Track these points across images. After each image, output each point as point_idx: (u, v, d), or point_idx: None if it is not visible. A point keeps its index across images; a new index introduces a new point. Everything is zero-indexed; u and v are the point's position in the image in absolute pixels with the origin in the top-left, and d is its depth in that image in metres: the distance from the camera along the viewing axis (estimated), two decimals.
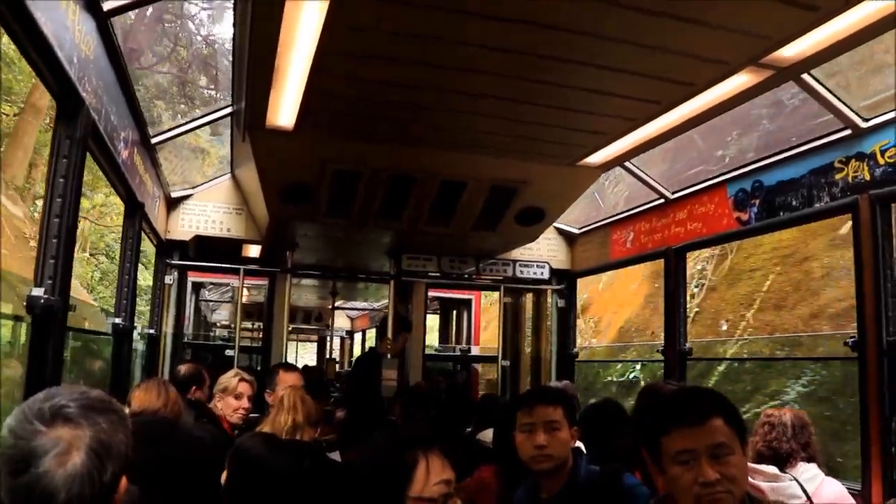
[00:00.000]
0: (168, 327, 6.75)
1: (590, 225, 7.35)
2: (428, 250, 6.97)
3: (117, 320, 4.76)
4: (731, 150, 13.99)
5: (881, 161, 3.97)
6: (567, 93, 3.97)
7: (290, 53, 3.50)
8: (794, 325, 11.86)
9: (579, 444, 3.33)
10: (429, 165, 5.17)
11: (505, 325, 8.34)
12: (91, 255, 17.75)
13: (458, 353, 10.58)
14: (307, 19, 3.17)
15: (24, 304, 2.88)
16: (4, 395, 6.37)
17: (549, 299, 7.82)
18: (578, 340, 8.03)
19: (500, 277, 7.38)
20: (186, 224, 6.57)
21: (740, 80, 3.68)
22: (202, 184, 6.75)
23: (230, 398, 4.40)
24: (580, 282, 7.86)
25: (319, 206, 5.55)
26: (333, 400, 7.96)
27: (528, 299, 8.51)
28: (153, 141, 5.24)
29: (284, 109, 4.21)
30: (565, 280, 7.67)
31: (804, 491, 3.35)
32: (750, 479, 3.32)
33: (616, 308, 16.35)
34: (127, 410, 3.60)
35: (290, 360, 9.63)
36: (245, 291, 10.82)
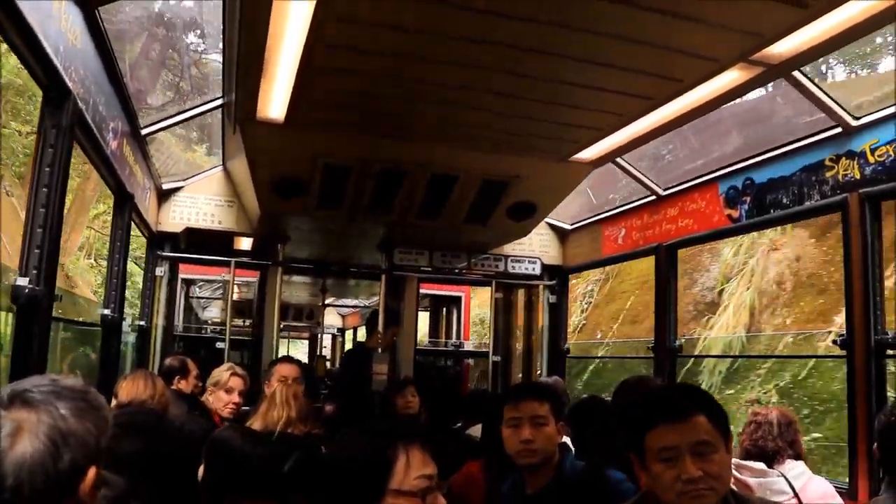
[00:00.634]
0: (159, 320, 6.73)
1: (582, 221, 7.35)
2: (420, 245, 6.95)
3: (106, 311, 4.74)
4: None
5: (871, 159, 3.98)
6: (558, 88, 3.97)
7: (280, 45, 3.48)
8: (641, 334, 13.63)
9: (566, 439, 3.33)
10: (419, 159, 5.15)
11: (496, 320, 8.34)
12: (96, 260, 18.38)
13: (450, 349, 10.59)
14: (296, 11, 3.16)
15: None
16: None
17: (541, 295, 7.82)
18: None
19: (492, 272, 7.37)
20: (177, 216, 6.55)
21: (731, 77, 3.68)
22: (193, 176, 6.72)
23: (221, 392, 4.41)
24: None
25: (310, 200, 5.54)
26: (323, 396, 7.96)
27: (520, 295, 8.50)
28: (143, 132, 5.22)
29: (275, 101, 4.19)
30: (557, 276, 7.66)
31: (791, 487, 3.37)
32: (737, 474, 3.34)
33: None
34: (114, 402, 3.61)
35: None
36: (236, 289, 10.81)
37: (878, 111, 4.00)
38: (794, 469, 3.48)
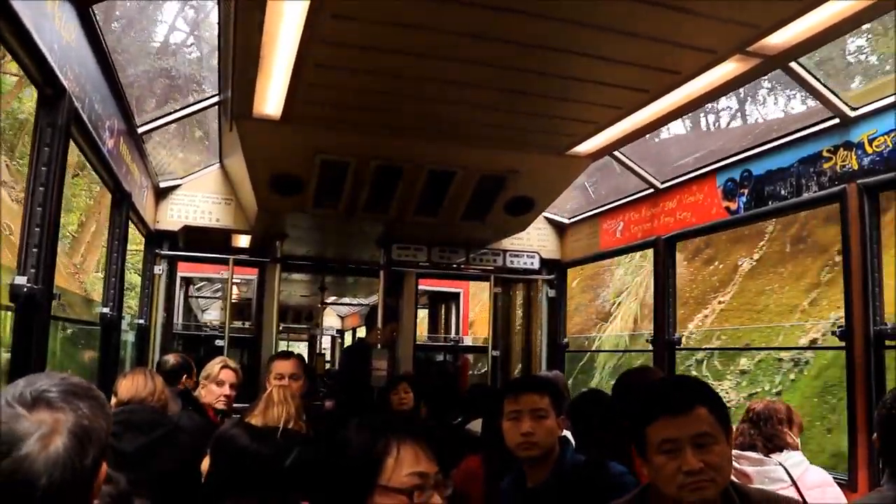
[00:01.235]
0: (158, 318, 6.73)
1: (580, 215, 7.35)
2: (418, 240, 6.95)
3: (105, 310, 4.74)
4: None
5: (869, 150, 3.98)
6: (555, 82, 3.96)
7: (276, 42, 3.47)
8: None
9: (567, 433, 3.34)
10: (417, 155, 5.15)
11: (495, 315, 8.34)
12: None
13: (449, 344, 10.60)
14: (291, 8, 3.15)
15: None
16: None
17: (540, 289, 7.82)
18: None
19: (491, 267, 7.37)
20: (175, 214, 6.54)
21: (728, 69, 3.67)
22: (191, 174, 6.71)
23: (212, 385, 4.44)
24: None
25: (308, 197, 5.53)
26: (322, 394, 7.97)
27: (519, 289, 8.50)
28: (140, 130, 5.21)
29: (271, 98, 4.19)
30: (555, 270, 7.66)
31: (789, 475, 3.39)
32: (736, 464, 3.35)
33: None
34: (114, 400, 3.61)
35: None
36: (235, 289, 10.80)
37: (875, 101, 4.00)
38: (792, 458, 3.50)
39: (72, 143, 3.39)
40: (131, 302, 10.47)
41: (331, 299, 13.92)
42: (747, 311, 12.03)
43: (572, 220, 7.45)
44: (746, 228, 11.21)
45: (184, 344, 8.52)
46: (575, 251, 7.45)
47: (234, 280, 7.71)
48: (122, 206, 4.89)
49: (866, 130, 4.00)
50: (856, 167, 4.05)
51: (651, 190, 6.06)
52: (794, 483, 3.37)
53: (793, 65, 3.94)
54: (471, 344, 11.19)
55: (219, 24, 4.00)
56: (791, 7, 3.06)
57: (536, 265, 7.39)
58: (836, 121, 4.19)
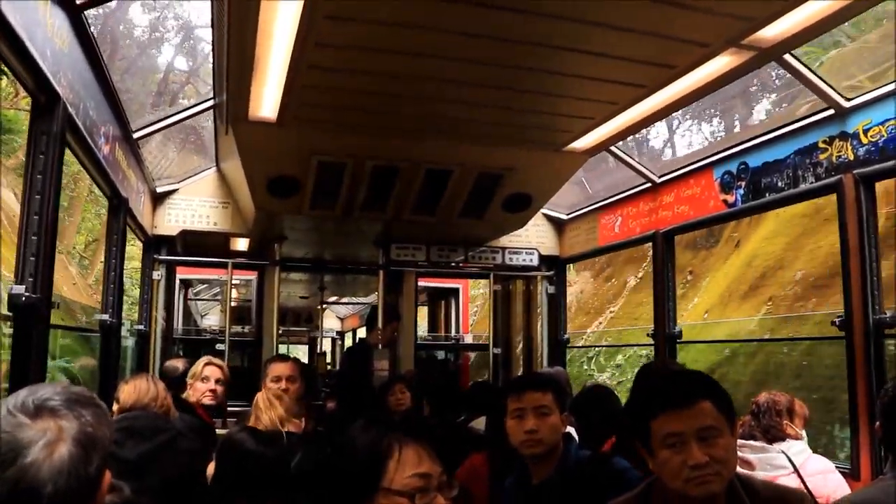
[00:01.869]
0: (157, 323, 6.72)
1: (578, 210, 7.34)
2: (417, 240, 6.95)
3: (104, 317, 4.73)
4: None
5: (864, 140, 3.98)
6: (550, 78, 3.97)
7: (270, 44, 3.47)
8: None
9: (570, 429, 3.34)
10: (413, 154, 5.15)
11: (495, 312, 8.34)
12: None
13: (450, 342, 10.60)
14: (285, 10, 3.15)
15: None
16: None
17: (539, 286, 7.82)
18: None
19: (490, 265, 7.37)
20: (173, 219, 6.53)
21: (722, 62, 3.68)
22: (187, 178, 6.70)
23: (198, 383, 4.56)
24: None
25: (305, 198, 5.53)
26: (324, 394, 7.97)
27: (519, 286, 8.50)
28: (136, 136, 5.20)
29: (267, 101, 4.19)
30: (555, 266, 7.66)
31: (791, 463, 3.41)
32: (739, 452, 3.36)
33: None
34: (115, 406, 3.61)
35: None
36: (234, 291, 10.79)
37: (870, 91, 4.00)
38: (795, 446, 3.53)
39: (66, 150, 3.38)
40: (128, 312, 10.54)
41: (331, 299, 13.91)
42: (628, 318, 14.07)
43: (570, 215, 7.45)
44: (636, 251, 12.67)
45: (184, 349, 8.52)
46: (574, 247, 7.45)
47: (233, 282, 7.69)
48: (120, 212, 4.88)
49: (861, 121, 4.00)
50: (852, 157, 4.05)
51: (648, 184, 6.06)
52: (796, 470, 3.39)
53: (787, 57, 3.93)
54: (471, 342, 11.17)
55: (212, 26, 3.99)
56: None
57: (535, 262, 7.39)
58: (832, 112, 4.19)
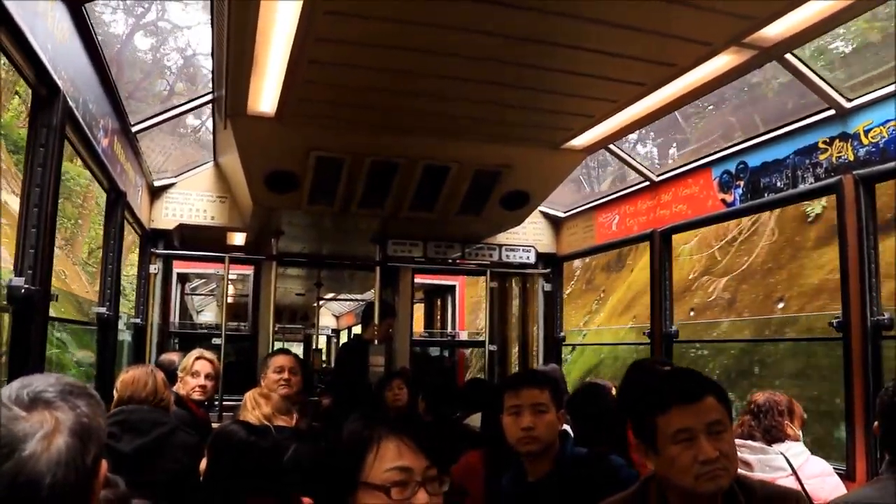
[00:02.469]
0: (154, 317, 6.72)
1: (575, 208, 7.35)
2: (414, 236, 6.94)
3: (101, 310, 4.73)
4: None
5: (865, 141, 3.98)
6: (550, 76, 3.96)
7: (269, 39, 3.46)
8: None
9: (566, 427, 3.34)
10: (411, 150, 5.14)
11: (492, 309, 8.34)
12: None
13: (446, 339, 10.59)
14: (285, 5, 3.14)
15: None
16: None
17: (536, 283, 7.82)
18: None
19: (487, 262, 7.36)
20: (170, 213, 6.52)
21: (724, 61, 3.67)
22: (185, 172, 6.69)
23: (188, 377, 4.58)
24: None
25: (303, 194, 5.52)
26: (320, 390, 7.96)
27: (515, 283, 8.50)
28: (134, 129, 5.19)
29: (266, 96, 4.18)
30: (551, 264, 7.66)
31: (790, 464, 3.41)
32: (738, 453, 3.37)
33: None
34: (115, 397, 3.61)
35: None
36: (231, 287, 10.77)
37: (871, 92, 4.00)
38: (793, 448, 3.53)
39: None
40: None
41: (328, 296, 13.89)
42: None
43: (568, 213, 7.45)
44: (565, 269, 13.96)
45: (180, 342, 8.50)
46: (571, 245, 7.45)
47: (229, 278, 7.67)
48: (118, 206, 4.87)
49: (862, 122, 4.00)
50: (852, 158, 4.06)
51: (646, 183, 6.06)
52: (795, 472, 3.39)
53: (788, 56, 3.93)
54: (467, 338, 11.17)
55: (211, 21, 3.98)
56: None
57: (532, 259, 7.39)
58: (832, 112, 4.19)
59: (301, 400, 4.83)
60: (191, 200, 6.59)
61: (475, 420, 4.41)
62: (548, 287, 7.66)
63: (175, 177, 6.60)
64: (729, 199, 5.05)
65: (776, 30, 3.34)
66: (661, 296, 5.75)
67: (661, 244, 5.83)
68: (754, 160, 4.82)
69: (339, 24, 3.34)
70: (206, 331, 10.88)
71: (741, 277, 12.69)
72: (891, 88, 3.86)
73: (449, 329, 10.73)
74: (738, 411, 4.03)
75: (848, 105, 4.10)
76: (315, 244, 7.80)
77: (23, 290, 2.86)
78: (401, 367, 6.99)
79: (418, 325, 11.23)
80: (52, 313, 3.27)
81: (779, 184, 4.60)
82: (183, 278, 11.17)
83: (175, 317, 9.82)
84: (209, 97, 5.33)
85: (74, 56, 3.42)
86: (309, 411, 5.82)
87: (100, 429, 1.32)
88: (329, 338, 19.55)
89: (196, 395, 4.52)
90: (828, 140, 4.23)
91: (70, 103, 3.25)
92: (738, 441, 3.44)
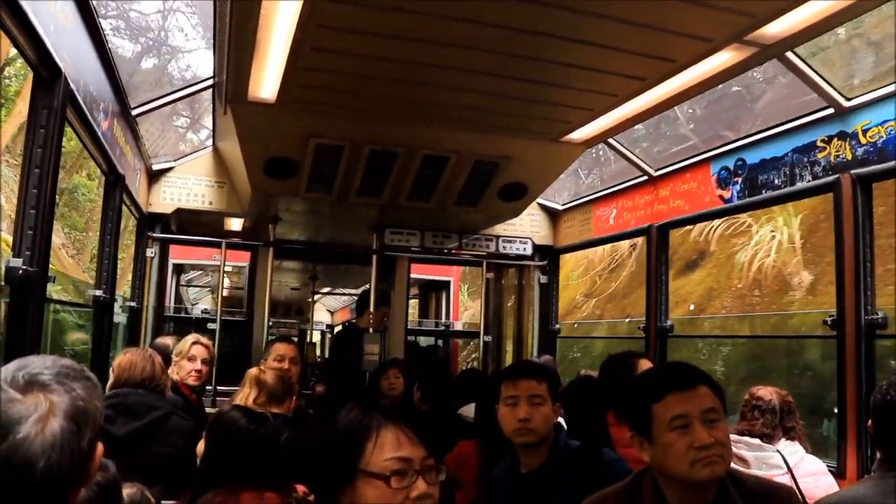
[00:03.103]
0: (150, 301, 6.71)
1: (573, 201, 7.35)
2: (411, 225, 6.94)
3: (98, 292, 4.73)
4: None
5: (863, 140, 3.99)
6: (550, 68, 3.96)
7: (272, 25, 3.46)
8: None
9: (560, 420, 3.35)
10: (411, 140, 5.14)
11: (487, 300, 8.35)
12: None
13: (440, 329, 10.61)
14: None
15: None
16: None
17: (532, 275, 7.83)
18: None
19: (483, 253, 7.36)
20: (168, 197, 6.51)
21: (724, 58, 3.68)
22: (184, 156, 6.68)
23: (184, 361, 4.55)
24: None
25: (301, 180, 5.52)
26: (313, 381, 7.97)
27: (511, 275, 8.51)
28: (134, 112, 5.18)
29: (266, 82, 4.17)
30: (548, 256, 7.67)
31: (786, 462, 3.43)
32: (735, 448, 3.39)
33: None
34: (112, 378, 3.61)
35: None
36: (227, 280, 10.74)
37: (870, 92, 4.01)
38: (790, 447, 3.55)
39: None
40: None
41: (324, 290, 13.89)
42: None
43: (565, 206, 7.46)
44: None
45: (175, 327, 8.49)
46: (568, 237, 7.46)
47: (225, 269, 7.66)
48: (116, 189, 4.87)
49: (861, 121, 4.02)
50: (850, 157, 4.07)
51: (644, 177, 6.06)
52: (790, 470, 3.42)
53: (788, 54, 3.94)
54: (461, 329, 11.19)
55: (214, 6, 3.97)
56: None
57: (529, 251, 7.39)
58: (831, 111, 4.20)
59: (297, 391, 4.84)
60: (189, 185, 6.57)
61: (469, 410, 4.42)
62: (544, 279, 7.68)
63: (174, 161, 6.59)
64: (727, 195, 5.07)
65: (777, 28, 3.34)
66: (656, 290, 5.77)
67: (657, 239, 5.84)
68: (753, 157, 4.83)
69: (341, 11, 3.33)
70: (202, 316, 10.87)
71: (608, 299, 16.47)
72: (890, 88, 3.87)
73: (443, 319, 10.75)
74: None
75: (847, 104, 4.10)
76: (312, 231, 7.79)
77: (21, 271, 2.87)
78: (390, 358, 7.00)
79: (413, 323, 11.26)
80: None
81: (776, 181, 4.61)
82: (178, 269, 11.16)
83: (171, 300, 9.81)
84: (210, 82, 5.31)
85: (76, 38, 3.41)
86: (304, 401, 5.83)
87: (96, 412, 1.32)
88: (323, 333, 19.56)
89: (191, 381, 4.50)
90: (826, 139, 4.24)
91: (71, 85, 3.24)
92: (734, 437, 3.47)
